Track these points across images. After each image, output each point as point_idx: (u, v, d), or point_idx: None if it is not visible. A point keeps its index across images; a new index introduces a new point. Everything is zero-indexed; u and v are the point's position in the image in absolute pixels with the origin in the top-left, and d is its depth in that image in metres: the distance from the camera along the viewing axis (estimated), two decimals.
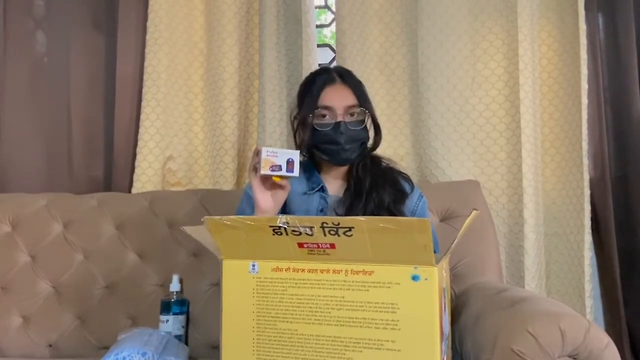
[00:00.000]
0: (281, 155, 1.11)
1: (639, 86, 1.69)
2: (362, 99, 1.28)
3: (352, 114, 1.25)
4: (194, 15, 1.95)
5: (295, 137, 1.32)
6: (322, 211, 1.29)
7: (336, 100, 1.25)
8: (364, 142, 1.28)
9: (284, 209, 1.30)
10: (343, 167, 1.32)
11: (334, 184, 1.33)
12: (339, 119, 1.23)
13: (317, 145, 1.27)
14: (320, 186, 1.31)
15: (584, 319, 0.98)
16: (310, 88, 1.28)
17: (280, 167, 1.10)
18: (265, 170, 1.10)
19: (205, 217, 0.88)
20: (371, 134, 1.33)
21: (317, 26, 1.98)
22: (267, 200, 1.16)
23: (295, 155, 1.12)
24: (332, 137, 1.23)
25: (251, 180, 1.16)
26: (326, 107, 1.24)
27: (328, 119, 1.25)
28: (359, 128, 1.25)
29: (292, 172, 1.11)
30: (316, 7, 1.97)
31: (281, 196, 1.18)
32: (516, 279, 1.70)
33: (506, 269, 1.71)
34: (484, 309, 1.15)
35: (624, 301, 1.68)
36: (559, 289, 1.73)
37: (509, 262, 1.72)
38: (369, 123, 1.30)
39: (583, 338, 0.94)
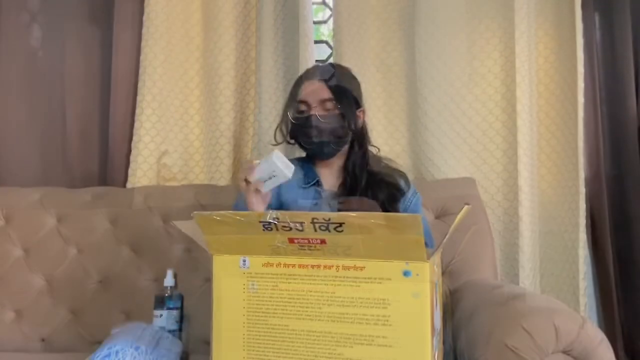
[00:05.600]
0: (267, 166, 1.09)
1: (634, 85, 1.70)
2: (340, 94, 1.29)
3: (326, 109, 1.28)
4: (190, 10, 1.94)
5: (280, 130, 1.36)
6: (316, 205, 1.30)
7: (310, 94, 1.29)
8: (340, 137, 1.29)
9: (280, 202, 1.30)
10: (336, 162, 1.35)
11: (329, 178, 1.35)
12: (312, 112, 1.27)
13: (295, 138, 1.32)
14: (315, 180, 1.33)
15: (578, 315, 0.98)
16: (294, 84, 1.35)
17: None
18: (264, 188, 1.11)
19: (195, 212, 0.87)
20: (371, 135, 1.39)
21: (315, 22, 1.97)
22: (260, 206, 1.15)
23: (276, 160, 1.09)
24: (303, 130, 1.28)
25: (246, 194, 1.13)
26: (302, 102, 1.30)
27: (304, 113, 1.29)
28: (332, 121, 1.27)
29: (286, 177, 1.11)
30: (313, 4, 1.96)
31: (269, 196, 1.17)
32: (511, 276, 1.70)
33: (501, 267, 1.71)
34: (478, 305, 1.15)
35: (618, 299, 1.68)
36: (553, 287, 1.74)
37: (504, 259, 1.72)
38: (359, 121, 1.33)
39: (577, 334, 0.94)
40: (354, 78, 1.38)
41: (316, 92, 1.29)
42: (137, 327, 1.21)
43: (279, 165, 1.08)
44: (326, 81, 1.30)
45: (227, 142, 1.88)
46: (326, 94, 1.28)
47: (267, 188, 1.13)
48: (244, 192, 1.15)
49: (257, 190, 1.11)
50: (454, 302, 1.27)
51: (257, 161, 1.12)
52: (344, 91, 1.31)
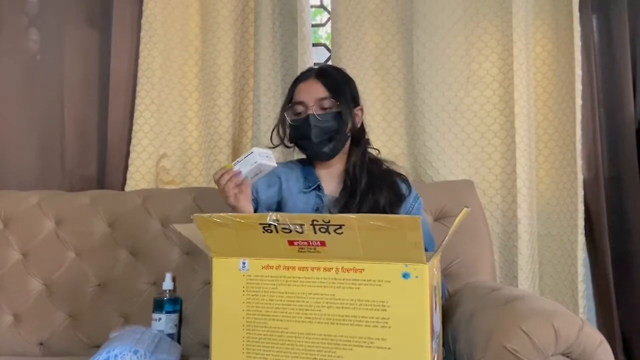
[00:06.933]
0: (247, 162, 1.12)
1: (632, 87, 1.70)
2: (337, 91, 1.29)
3: (323, 107, 1.27)
4: (189, 12, 1.94)
5: (277, 133, 1.34)
6: (317, 210, 1.29)
7: (306, 94, 1.28)
8: (339, 134, 1.28)
9: (280, 207, 1.30)
10: (336, 165, 1.34)
11: (330, 183, 1.34)
12: (310, 111, 1.26)
13: (296, 142, 1.31)
14: (316, 185, 1.32)
15: (577, 317, 0.98)
16: (290, 87, 1.34)
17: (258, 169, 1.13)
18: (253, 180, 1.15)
19: (195, 214, 0.87)
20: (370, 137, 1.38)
21: (313, 25, 1.98)
22: (246, 203, 1.17)
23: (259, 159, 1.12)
24: (303, 131, 1.27)
25: (227, 198, 1.14)
26: (299, 103, 1.29)
27: (302, 114, 1.28)
28: (331, 119, 1.26)
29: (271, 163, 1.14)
30: (312, 7, 1.97)
31: (249, 189, 1.18)
32: (510, 279, 1.70)
33: (500, 269, 1.71)
34: (478, 307, 1.15)
35: (617, 301, 1.68)
36: (552, 289, 1.74)
37: (503, 262, 1.72)
38: (357, 119, 1.33)
39: (576, 336, 0.94)
40: (348, 77, 1.38)
41: (312, 91, 1.28)
42: (136, 331, 1.21)
43: (262, 162, 1.11)
44: (321, 79, 1.29)
45: (226, 145, 1.88)
46: (322, 92, 1.28)
47: (254, 180, 1.17)
48: (223, 197, 1.14)
49: (237, 187, 1.12)
50: (453, 304, 1.27)
51: (233, 164, 1.12)
52: (340, 88, 1.30)
